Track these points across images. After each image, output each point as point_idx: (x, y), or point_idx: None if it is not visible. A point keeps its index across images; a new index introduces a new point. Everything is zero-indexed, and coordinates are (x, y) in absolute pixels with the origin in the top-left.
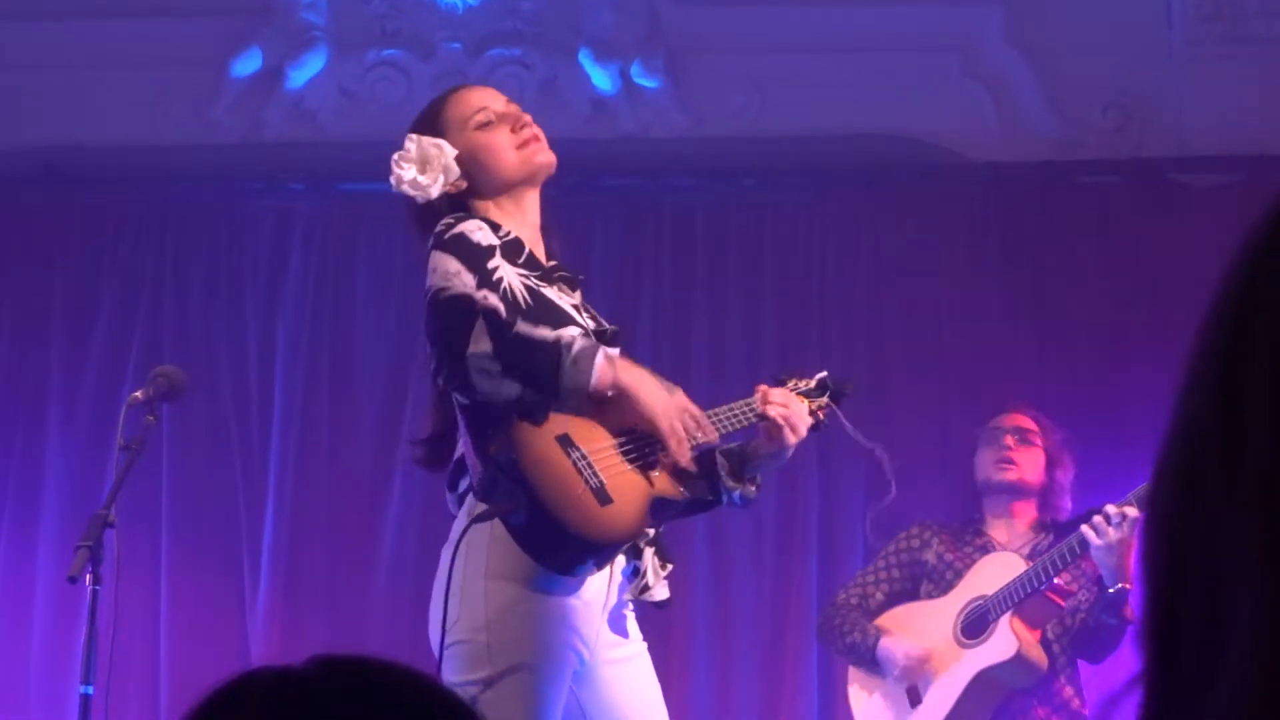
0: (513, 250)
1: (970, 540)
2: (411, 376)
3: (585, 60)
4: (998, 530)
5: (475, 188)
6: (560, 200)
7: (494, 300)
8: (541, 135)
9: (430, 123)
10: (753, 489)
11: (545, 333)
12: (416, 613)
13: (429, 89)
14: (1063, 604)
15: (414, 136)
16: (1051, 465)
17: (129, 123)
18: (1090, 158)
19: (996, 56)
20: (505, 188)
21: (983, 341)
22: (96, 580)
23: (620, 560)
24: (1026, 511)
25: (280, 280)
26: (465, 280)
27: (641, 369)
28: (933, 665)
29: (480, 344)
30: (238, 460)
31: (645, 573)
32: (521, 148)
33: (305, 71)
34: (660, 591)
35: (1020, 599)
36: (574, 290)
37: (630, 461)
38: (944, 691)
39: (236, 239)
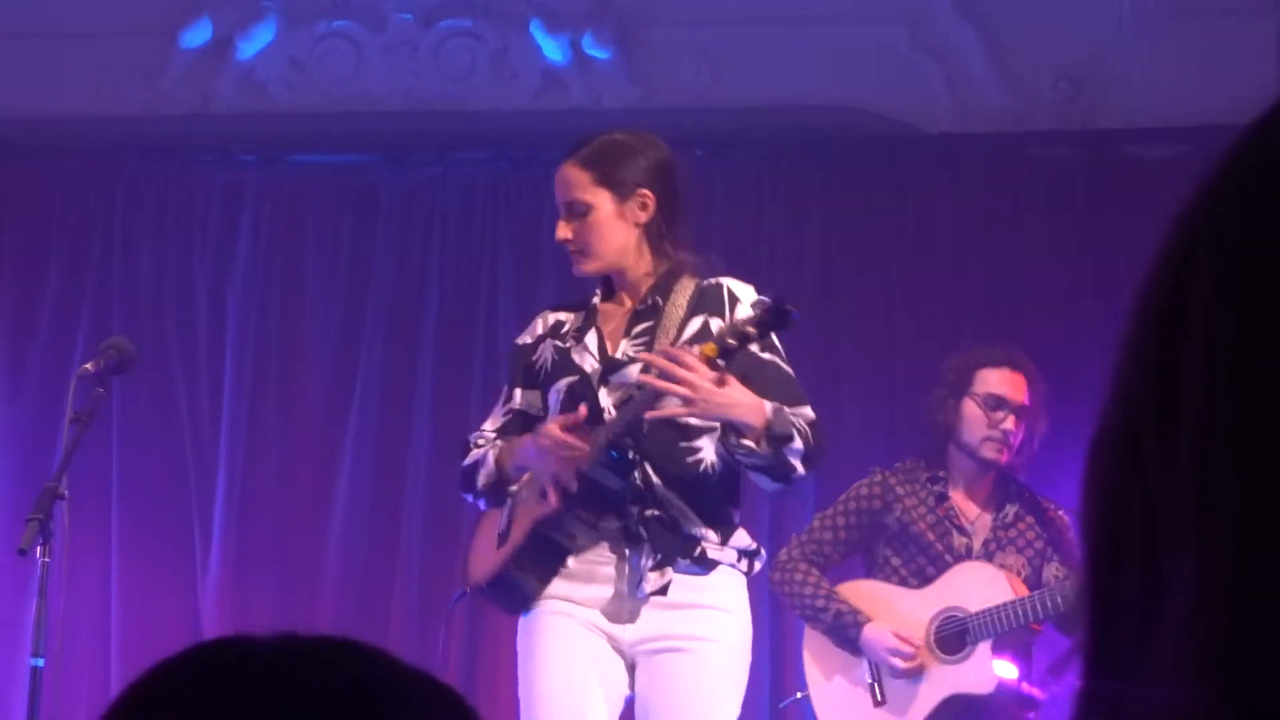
0: (555, 329)
1: (934, 506)
2: (361, 348)
3: (536, 31)
4: (958, 490)
5: None
6: (510, 173)
7: (482, 432)
8: (569, 244)
9: None
10: (745, 445)
11: (473, 457)
12: (366, 583)
13: (379, 60)
14: (1040, 629)
15: None
16: (1030, 437)
17: (77, 94)
18: (1040, 129)
19: (947, 28)
20: None
21: (932, 313)
22: (47, 553)
23: (625, 563)
24: (993, 475)
25: (230, 252)
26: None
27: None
28: (917, 668)
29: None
30: (188, 432)
31: (644, 568)
32: None
33: (255, 43)
34: (651, 584)
35: (1003, 630)
36: (634, 326)
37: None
38: (913, 705)
39: (186, 210)
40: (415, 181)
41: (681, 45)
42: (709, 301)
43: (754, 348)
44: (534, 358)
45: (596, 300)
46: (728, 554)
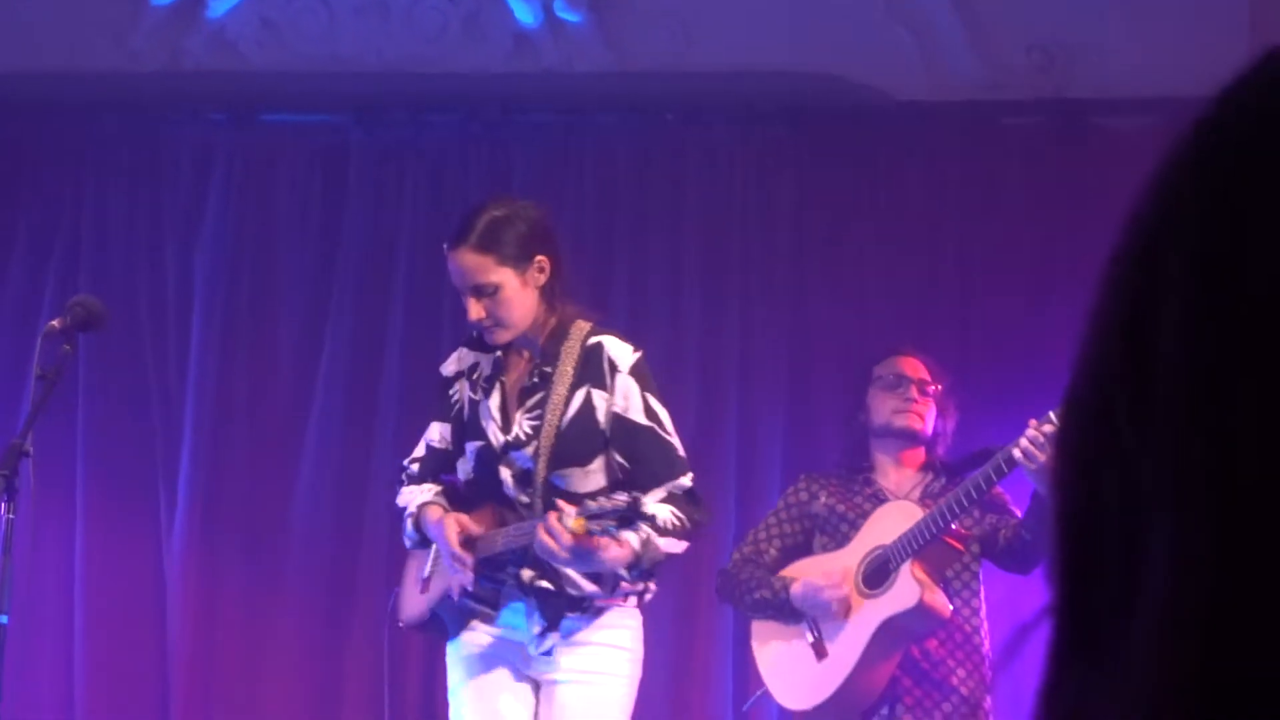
0: (471, 370)
1: (859, 490)
2: (330, 308)
3: None
4: (886, 477)
5: None
6: (481, 136)
7: (410, 465)
8: (483, 322)
9: None
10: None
11: (404, 500)
12: (332, 543)
13: (351, 20)
14: (962, 549)
15: None
16: (940, 416)
17: (46, 51)
18: (1013, 99)
19: None
20: None
21: (903, 281)
22: (12, 510)
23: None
24: (915, 458)
25: (200, 212)
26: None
27: (438, 514)
28: (846, 597)
29: None
30: (154, 390)
31: (532, 631)
32: None
33: (226, 0)
34: (537, 646)
35: (920, 545)
36: (532, 392)
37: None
38: (850, 643)
39: (155, 170)
40: (386, 142)
41: (655, 9)
42: (591, 369)
43: (634, 416)
44: (451, 392)
45: (499, 353)
46: (615, 597)
